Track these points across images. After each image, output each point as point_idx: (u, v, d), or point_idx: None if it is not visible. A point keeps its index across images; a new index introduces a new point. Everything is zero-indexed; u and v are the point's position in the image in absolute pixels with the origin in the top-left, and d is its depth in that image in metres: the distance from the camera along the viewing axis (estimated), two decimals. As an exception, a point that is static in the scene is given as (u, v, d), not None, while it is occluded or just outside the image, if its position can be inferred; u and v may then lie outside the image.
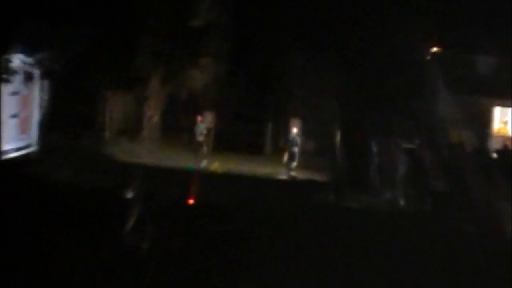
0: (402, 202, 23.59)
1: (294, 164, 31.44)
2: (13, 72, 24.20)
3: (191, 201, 20.91)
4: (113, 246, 13.77)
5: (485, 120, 31.87)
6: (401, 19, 41.51)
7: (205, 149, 33.63)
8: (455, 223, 18.06)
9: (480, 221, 15.56)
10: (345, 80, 47.94)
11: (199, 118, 34.74)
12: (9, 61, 23.98)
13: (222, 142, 40.19)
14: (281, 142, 38.32)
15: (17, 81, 24.92)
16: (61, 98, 30.96)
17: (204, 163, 31.97)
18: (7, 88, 24.35)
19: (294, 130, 33.36)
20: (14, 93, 25.12)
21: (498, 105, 32.15)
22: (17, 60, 24.43)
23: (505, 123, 31.53)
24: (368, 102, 45.86)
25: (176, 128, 42.17)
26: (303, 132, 33.96)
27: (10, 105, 24.90)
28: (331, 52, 48.80)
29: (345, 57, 48.85)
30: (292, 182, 28.28)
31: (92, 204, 14.53)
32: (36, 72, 25.57)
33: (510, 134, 31.33)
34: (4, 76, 23.90)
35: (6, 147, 24.78)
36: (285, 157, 31.60)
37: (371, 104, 45.70)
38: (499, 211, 14.93)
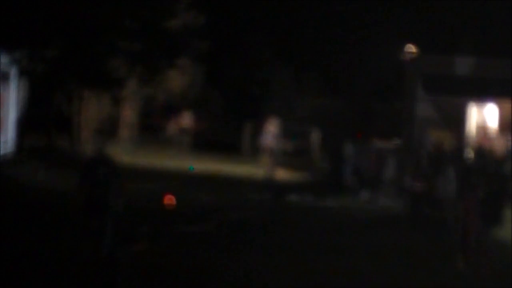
0: (380, 202, 23.67)
1: (274, 162, 31.37)
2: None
3: (166, 202, 20.77)
4: (88, 247, 13.63)
5: (462, 120, 32.00)
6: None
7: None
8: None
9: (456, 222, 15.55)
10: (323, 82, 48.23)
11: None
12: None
13: (200, 142, 40.16)
14: (259, 141, 38.28)
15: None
16: (37, 98, 30.77)
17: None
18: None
19: (272, 129, 33.29)
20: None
21: (475, 104, 32.28)
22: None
23: (484, 121, 31.66)
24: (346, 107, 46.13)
25: (153, 128, 42.13)
26: (281, 132, 33.91)
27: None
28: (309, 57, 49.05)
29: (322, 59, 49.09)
30: (271, 182, 28.23)
31: (67, 206, 14.37)
32: (12, 71, 25.34)
33: (488, 131, 31.49)
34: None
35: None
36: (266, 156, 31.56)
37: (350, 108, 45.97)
38: (474, 211, 14.93)
